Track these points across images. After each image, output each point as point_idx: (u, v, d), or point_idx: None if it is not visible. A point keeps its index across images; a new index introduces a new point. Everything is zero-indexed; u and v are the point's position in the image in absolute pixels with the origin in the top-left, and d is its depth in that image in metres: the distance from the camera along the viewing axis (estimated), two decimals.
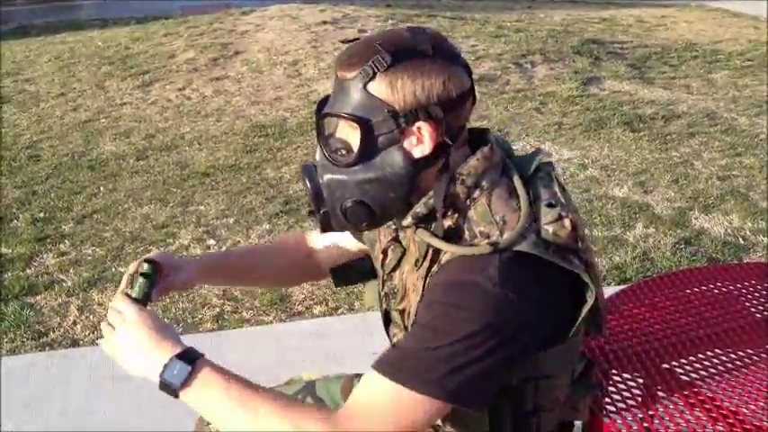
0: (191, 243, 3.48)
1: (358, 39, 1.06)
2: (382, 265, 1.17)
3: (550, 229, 0.97)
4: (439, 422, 1.11)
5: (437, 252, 1.01)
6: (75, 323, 2.88)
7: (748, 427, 1.15)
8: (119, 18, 9.99)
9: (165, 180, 4.28)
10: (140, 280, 1.18)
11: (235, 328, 2.82)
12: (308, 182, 1.06)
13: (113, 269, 3.28)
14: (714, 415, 1.18)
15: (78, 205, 3.98)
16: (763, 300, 1.53)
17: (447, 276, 0.98)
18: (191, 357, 1.03)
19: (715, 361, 1.33)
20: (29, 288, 3.14)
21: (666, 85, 6.13)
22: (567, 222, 0.97)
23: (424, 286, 1.02)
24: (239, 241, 3.51)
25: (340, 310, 2.84)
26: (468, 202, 1.02)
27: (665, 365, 1.32)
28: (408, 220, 1.05)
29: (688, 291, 1.59)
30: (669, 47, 7.61)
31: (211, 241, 3.51)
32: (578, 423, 1.25)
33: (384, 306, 1.17)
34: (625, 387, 1.27)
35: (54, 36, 8.83)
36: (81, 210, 3.92)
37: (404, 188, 1.02)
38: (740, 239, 3.45)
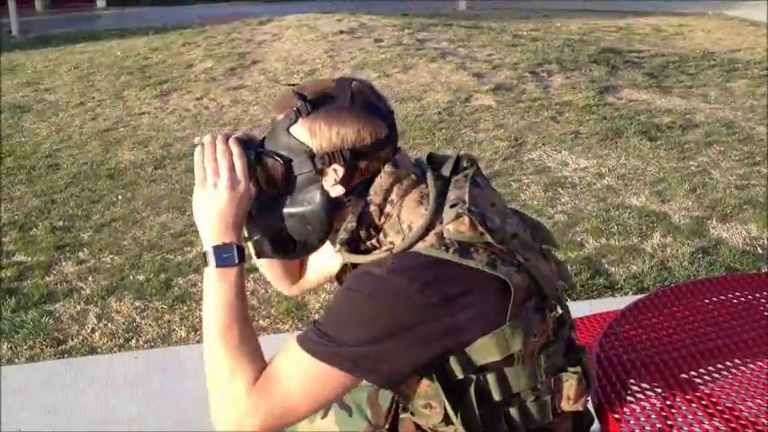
0: None
1: (297, 84, 1.18)
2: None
3: (451, 227, 1.06)
4: (423, 421, 1.17)
5: (356, 267, 1.13)
6: (93, 331, 2.91)
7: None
8: (137, 28, 10.10)
9: (182, 189, 4.32)
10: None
11: None
12: None
13: (131, 277, 3.30)
14: (733, 425, 1.17)
15: (97, 214, 4.03)
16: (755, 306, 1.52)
17: (352, 273, 1.12)
18: (240, 256, 1.11)
19: (734, 371, 1.32)
20: (48, 296, 3.17)
21: (684, 95, 6.09)
22: (465, 219, 1.06)
23: None
24: None
25: None
26: (381, 218, 1.13)
27: (684, 375, 1.32)
28: (337, 246, 1.16)
29: (706, 300, 1.58)
30: (686, 56, 7.58)
31: None
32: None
33: None
34: (643, 397, 1.27)
35: (73, 46, 8.94)
36: (99, 218, 3.96)
37: (321, 223, 1.14)
38: (758, 249, 3.42)
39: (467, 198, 1.09)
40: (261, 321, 2.93)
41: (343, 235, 1.14)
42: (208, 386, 1.10)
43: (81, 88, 6.68)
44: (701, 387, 1.28)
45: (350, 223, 1.14)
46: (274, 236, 1.18)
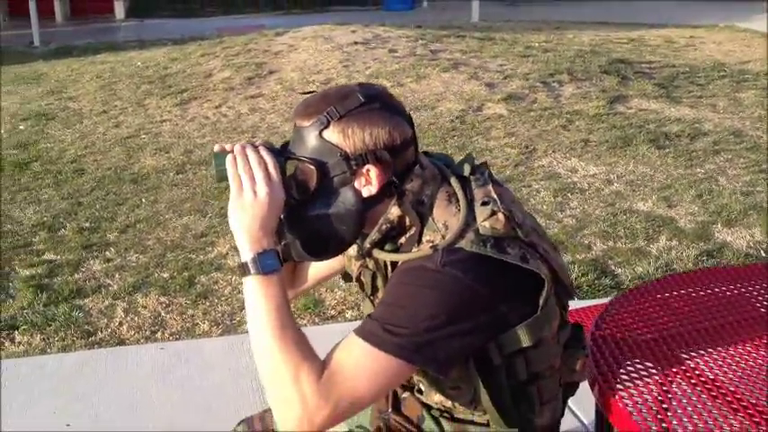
0: (228, 251, 3.65)
1: (314, 92, 1.23)
2: (363, 289, 1.33)
3: (487, 224, 1.13)
4: (450, 403, 1.26)
5: (395, 266, 1.19)
6: (121, 324, 3.06)
7: (744, 404, 1.27)
8: (156, 39, 10.33)
9: (203, 192, 4.47)
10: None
11: None
12: None
13: (156, 275, 3.45)
14: (714, 394, 1.29)
15: (122, 216, 4.19)
16: (763, 296, 1.64)
17: (400, 269, 1.17)
18: (279, 260, 1.15)
19: (717, 348, 1.44)
20: (77, 292, 3.32)
21: (693, 104, 6.20)
22: (500, 216, 1.14)
23: None
24: None
25: None
26: (416, 217, 1.18)
27: (671, 351, 1.44)
28: (367, 247, 1.21)
29: (697, 288, 1.70)
30: (697, 66, 7.68)
31: None
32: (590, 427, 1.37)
33: None
34: (633, 369, 1.39)
35: (94, 56, 9.17)
36: (124, 220, 4.12)
37: (354, 222, 1.18)
38: (761, 252, 3.53)
39: (495, 196, 1.17)
40: None
41: (375, 236, 1.20)
42: (268, 389, 1.12)
43: (103, 97, 6.88)
44: (687, 361, 1.41)
45: (384, 224, 1.19)
46: (306, 238, 1.21)
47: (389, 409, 1.35)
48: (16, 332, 2.99)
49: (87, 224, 4.08)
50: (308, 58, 7.39)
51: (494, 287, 1.13)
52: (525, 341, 1.17)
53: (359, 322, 1.16)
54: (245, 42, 8.17)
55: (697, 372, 1.38)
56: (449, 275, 1.11)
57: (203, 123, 5.96)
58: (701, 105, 6.17)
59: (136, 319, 3.10)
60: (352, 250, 1.30)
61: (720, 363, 1.40)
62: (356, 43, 7.77)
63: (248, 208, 1.14)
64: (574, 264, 3.42)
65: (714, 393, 1.29)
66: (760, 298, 1.64)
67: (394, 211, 1.18)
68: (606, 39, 9.54)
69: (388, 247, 1.21)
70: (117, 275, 3.46)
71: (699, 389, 1.32)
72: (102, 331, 3.01)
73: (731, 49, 8.86)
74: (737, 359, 1.41)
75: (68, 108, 6.63)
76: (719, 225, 3.82)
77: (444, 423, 1.29)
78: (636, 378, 1.36)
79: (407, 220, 1.19)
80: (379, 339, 1.09)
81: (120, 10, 14.28)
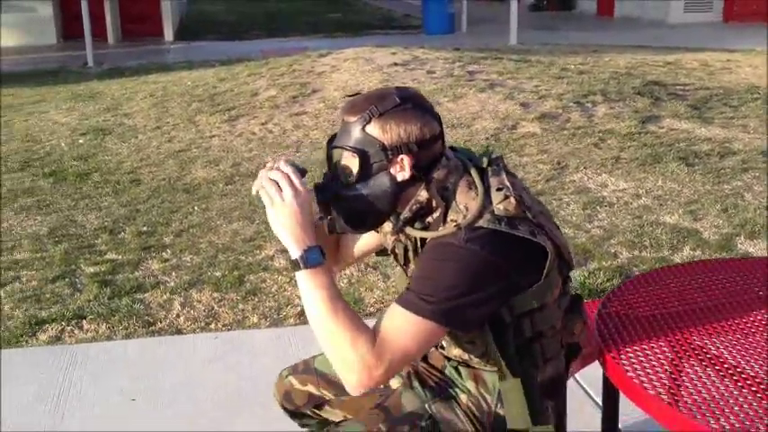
0: (275, 254, 3.92)
1: (359, 93, 1.48)
2: (397, 260, 1.58)
3: (501, 206, 1.36)
4: (467, 356, 1.51)
5: (424, 241, 1.43)
6: (178, 316, 3.34)
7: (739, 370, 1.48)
8: (203, 60, 10.77)
9: (250, 202, 4.76)
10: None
11: None
12: (318, 196, 1.45)
13: (209, 273, 3.74)
14: (703, 361, 1.50)
15: (176, 222, 4.50)
16: (761, 283, 1.84)
17: (430, 245, 1.41)
18: (322, 254, 1.39)
19: (715, 325, 1.65)
20: (138, 287, 3.62)
21: (724, 125, 6.34)
22: (512, 200, 1.37)
23: None
24: None
25: None
26: (441, 200, 1.41)
27: (668, 325, 1.65)
28: (400, 224, 1.45)
29: (698, 277, 1.90)
30: (731, 89, 7.80)
31: None
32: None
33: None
34: (638, 339, 1.61)
35: (146, 76, 9.63)
36: (179, 225, 4.43)
37: (389, 202, 1.42)
38: None
39: (508, 183, 1.41)
40: None
41: (407, 214, 1.43)
42: (332, 359, 1.36)
43: (156, 114, 7.27)
44: (678, 330, 1.62)
45: (415, 205, 1.42)
46: (348, 214, 1.44)
47: (419, 360, 1.60)
48: (84, 321, 3.29)
49: (145, 228, 4.40)
50: (350, 78, 7.70)
51: (507, 258, 1.36)
52: (532, 304, 1.41)
53: None
54: (289, 63, 8.53)
55: (700, 346, 1.58)
56: (470, 251, 1.34)
57: (250, 139, 6.29)
58: (732, 126, 6.31)
59: (191, 311, 3.37)
60: (388, 226, 1.54)
61: (717, 336, 1.61)
62: (396, 64, 8.07)
63: (281, 213, 1.37)
64: (600, 270, 3.61)
65: (713, 364, 1.50)
66: (758, 283, 1.84)
67: (423, 195, 1.42)
68: (642, 62, 9.68)
69: (417, 225, 1.45)
70: (173, 273, 3.76)
71: (704, 363, 1.52)
72: (161, 321, 3.29)
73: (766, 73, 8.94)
74: (737, 334, 1.62)
75: (124, 124, 7.03)
76: (742, 237, 3.98)
77: (462, 370, 1.55)
78: (645, 353, 1.58)
79: (434, 202, 1.42)
80: (416, 307, 1.33)
81: (168, 32, 14.89)
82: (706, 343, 1.59)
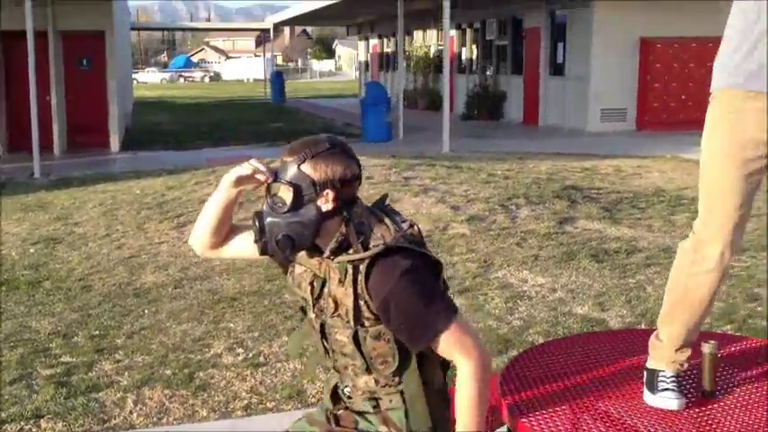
0: (223, 351, 4.23)
1: (297, 140, 1.83)
2: (312, 294, 1.84)
3: (409, 232, 1.78)
4: (373, 383, 1.84)
5: (356, 267, 1.74)
6: (131, 412, 3.60)
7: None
8: (151, 170, 11.15)
9: (199, 303, 5.08)
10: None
11: (259, 414, 3.53)
12: (256, 222, 1.78)
13: (160, 371, 4.01)
14: (591, 412, 1.92)
15: (127, 324, 4.77)
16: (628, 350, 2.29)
17: (384, 275, 1.73)
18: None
19: (594, 379, 2.08)
20: (92, 387, 3.86)
21: (632, 225, 7.02)
22: (416, 228, 1.81)
23: (355, 289, 1.75)
24: (263, 350, 4.25)
25: None
26: (363, 233, 1.76)
27: (558, 384, 2.07)
28: (327, 253, 1.78)
29: (580, 352, 2.35)
30: (640, 193, 8.59)
31: (240, 350, 4.26)
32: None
33: (319, 323, 1.85)
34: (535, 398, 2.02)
35: (95, 186, 9.93)
36: (130, 328, 4.70)
37: (314, 229, 1.75)
38: None
39: (406, 217, 1.83)
40: (267, 404, 3.62)
41: (333, 245, 1.76)
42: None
43: (106, 222, 7.58)
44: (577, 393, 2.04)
45: (340, 237, 1.75)
46: (279, 237, 1.74)
47: (333, 425, 1.94)
48: (42, 420, 3.52)
49: (97, 332, 4.65)
50: None
51: (428, 265, 1.77)
52: None
53: None
54: None
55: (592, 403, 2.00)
56: (412, 265, 1.72)
57: None
58: (638, 226, 6.98)
59: (144, 408, 3.63)
60: (304, 258, 1.85)
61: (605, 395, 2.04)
62: None
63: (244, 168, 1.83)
64: None
65: (596, 415, 1.92)
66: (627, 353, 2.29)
67: (344, 230, 1.76)
68: (562, 167, 10.51)
69: (345, 253, 1.76)
70: (126, 373, 4.02)
71: (594, 415, 1.94)
72: (115, 418, 3.54)
73: (672, 177, 9.83)
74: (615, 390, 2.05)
75: (74, 232, 7.30)
76: (643, 324, 4.48)
77: (371, 418, 1.87)
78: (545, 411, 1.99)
79: (354, 236, 1.75)
80: (441, 320, 1.73)
81: (115, 143, 15.24)
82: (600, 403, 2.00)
